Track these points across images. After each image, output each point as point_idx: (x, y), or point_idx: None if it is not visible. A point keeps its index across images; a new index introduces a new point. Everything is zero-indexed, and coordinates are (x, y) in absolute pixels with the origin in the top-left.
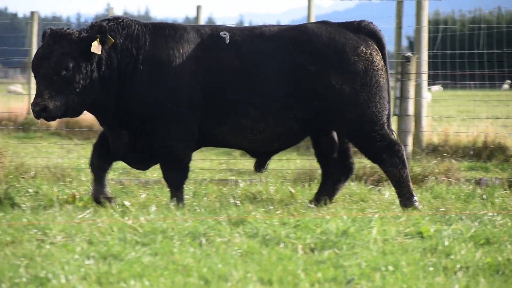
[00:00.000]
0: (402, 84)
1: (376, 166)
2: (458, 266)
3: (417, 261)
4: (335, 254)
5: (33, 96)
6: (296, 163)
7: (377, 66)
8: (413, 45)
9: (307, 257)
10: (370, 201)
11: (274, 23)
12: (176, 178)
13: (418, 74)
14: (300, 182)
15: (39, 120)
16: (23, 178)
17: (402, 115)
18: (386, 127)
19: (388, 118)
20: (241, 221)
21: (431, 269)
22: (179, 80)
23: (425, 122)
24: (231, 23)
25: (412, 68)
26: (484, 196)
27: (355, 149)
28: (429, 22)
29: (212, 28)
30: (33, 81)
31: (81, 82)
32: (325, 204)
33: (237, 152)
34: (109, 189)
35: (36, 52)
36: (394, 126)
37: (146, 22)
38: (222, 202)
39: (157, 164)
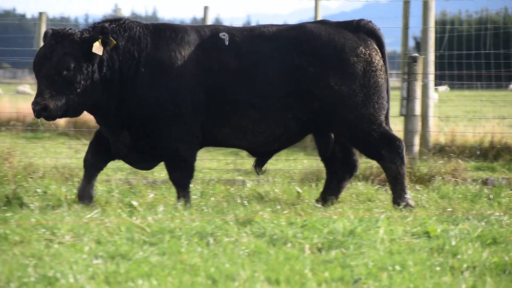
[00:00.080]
0: (409, 85)
1: None
2: (465, 265)
3: (424, 260)
4: (342, 254)
5: None
6: (303, 163)
7: (376, 66)
8: (420, 46)
9: (314, 256)
10: (377, 201)
11: (281, 23)
12: (181, 178)
13: (425, 75)
14: (307, 182)
15: (39, 120)
16: (31, 178)
17: (409, 115)
18: (384, 125)
19: (387, 116)
20: (248, 221)
21: (438, 268)
22: (181, 81)
23: (432, 122)
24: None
25: (419, 68)
26: (491, 196)
27: None
28: (436, 23)
29: (212, 29)
30: None
31: (82, 82)
32: (332, 203)
33: (244, 152)
34: (94, 190)
35: (38, 52)
36: (400, 126)
37: (147, 23)
38: (229, 202)
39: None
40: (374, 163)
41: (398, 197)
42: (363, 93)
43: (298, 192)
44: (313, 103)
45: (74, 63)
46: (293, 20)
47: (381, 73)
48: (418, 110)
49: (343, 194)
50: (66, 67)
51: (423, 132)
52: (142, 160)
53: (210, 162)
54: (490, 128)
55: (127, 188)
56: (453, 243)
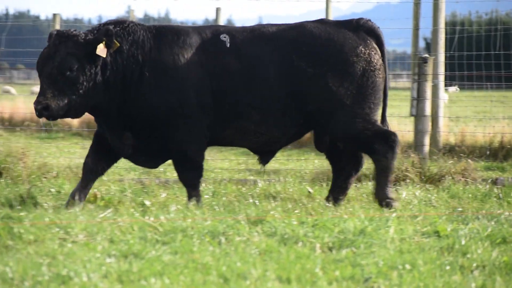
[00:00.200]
0: (419, 85)
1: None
2: (474, 265)
3: (434, 260)
4: (352, 253)
5: None
6: (314, 163)
7: (375, 66)
8: (430, 46)
9: (325, 255)
10: None
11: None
12: (191, 178)
13: (435, 75)
14: (318, 181)
15: (41, 119)
16: (45, 177)
17: (419, 116)
18: (377, 123)
19: (384, 114)
20: (259, 220)
21: (448, 268)
22: (185, 83)
23: (442, 122)
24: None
25: (429, 69)
26: (501, 196)
27: None
28: (446, 24)
29: (213, 30)
30: None
31: (85, 83)
32: (340, 201)
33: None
34: (87, 194)
35: (42, 52)
36: (411, 126)
37: (149, 26)
38: (241, 202)
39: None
40: None
41: (381, 190)
42: (360, 93)
43: (309, 191)
44: (309, 104)
45: (77, 64)
46: None
47: (380, 72)
48: (428, 110)
49: (354, 194)
50: (69, 68)
51: (433, 132)
52: (147, 160)
53: (222, 162)
54: (500, 129)
55: (140, 187)
56: (463, 242)
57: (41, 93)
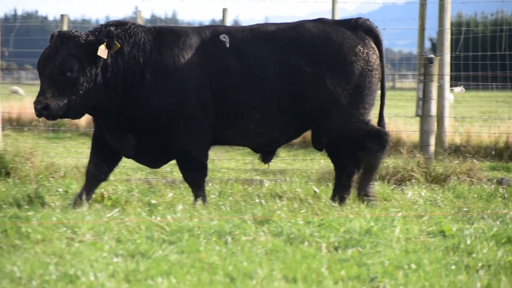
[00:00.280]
0: (424, 85)
1: (399, 165)
2: (480, 264)
3: (439, 259)
4: (358, 253)
5: None
6: (320, 163)
7: (372, 66)
8: (436, 47)
9: (331, 255)
10: (393, 201)
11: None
12: (196, 178)
13: (441, 76)
14: (324, 181)
15: (40, 119)
16: (53, 177)
17: (424, 116)
18: (371, 122)
19: (381, 113)
20: (266, 220)
21: (453, 267)
22: (187, 85)
23: (448, 122)
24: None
25: (435, 69)
26: (506, 196)
27: None
28: (452, 24)
29: (212, 30)
30: None
31: (85, 84)
32: (345, 200)
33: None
34: (91, 198)
35: (43, 52)
36: (416, 126)
37: (150, 27)
38: (247, 201)
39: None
40: (390, 163)
41: (364, 186)
42: (357, 93)
43: (315, 191)
44: (307, 103)
45: (78, 64)
46: None
47: (376, 72)
48: (434, 110)
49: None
50: (70, 68)
51: (439, 132)
52: (149, 160)
53: (228, 162)
54: (505, 129)
55: (147, 187)
56: (468, 242)
57: (41, 93)
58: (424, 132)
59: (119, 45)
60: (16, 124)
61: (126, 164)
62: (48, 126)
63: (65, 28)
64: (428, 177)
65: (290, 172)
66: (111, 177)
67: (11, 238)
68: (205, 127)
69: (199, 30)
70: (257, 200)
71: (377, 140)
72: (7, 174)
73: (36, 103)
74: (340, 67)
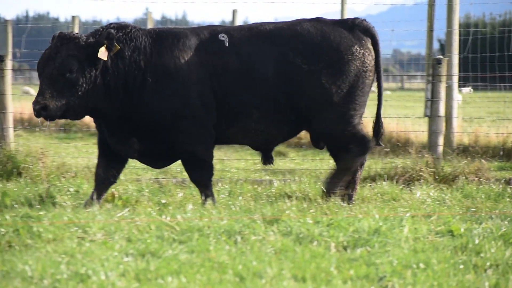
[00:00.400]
0: (433, 86)
1: (408, 165)
2: (488, 264)
3: (447, 259)
4: (367, 252)
5: None
6: (329, 163)
7: (367, 67)
8: (444, 48)
9: (339, 254)
10: (401, 200)
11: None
12: (203, 178)
13: (449, 76)
14: None
15: (39, 119)
16: (64, 177)
17: (433, 116)
18: (358, 125)
19: (378, 113)
20: (275, 219)
21: (461, 266)
22: (189, 86)
23: (456, 123)
24: None
25: (443, 70)
26: None
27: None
28: (460, 25)
29: (210, 30)
30: None
31: (84, 85)
32: (352, 197)
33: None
34: (102, 201)
35: (43, 53)
36: (425, 127)
37: (150, 30)
38: (256, 201)
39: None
40: (398, 163)
41: (333, 183)
42: (350, 93)
43: (323, 191)
44: (302, 100)
45: (77, 65)
46: None
47: (370, 74)
48: (442, 111)
49: (368, 194)
50: (69, 69)
51: (447, 132)
52: (152, 161)
53: (238, 162)
54: None
55: (157, 187)
56: (477, 241)
57: (40, 93)
58: (432, 133)
59: (119, 47)
60: (27, 125)
61: (137, 164)
62: (59, 127)
63: (76, 29)
64: (437, 177)
65: (299, 172)
66: (122, 177)
67: (23, 237)
68: (208, 127)
69: (198, 30)
70: (267, 200)
71: (361, 144)
72: (19, 174)
73: (35, 103)
74: (337, 66)
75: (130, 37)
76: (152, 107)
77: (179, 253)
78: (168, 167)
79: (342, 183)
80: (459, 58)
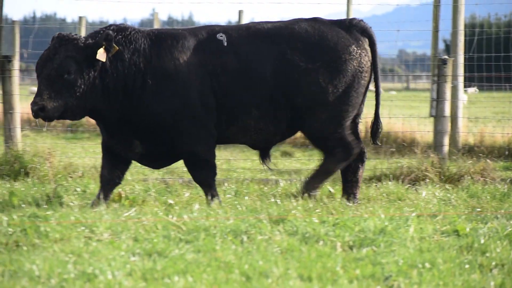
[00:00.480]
0: (438, 86)
1: (413, 165)
2: (493, 263)
3: (453, 258)
4: (373, 252)
5: None
6: None
7: (363, 67)
8: (450, 48)
9: (345, 254)
10: (407, 200)
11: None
12: (206, 177)
13: (455, 76)
14: (339, 181)
15: (37, 120)
16: (71, 177)
17: (438, 116)
18: (347, 129)
19: (377, 114)
20: (281, 219)
21: (467, 266)
22: (189, 87)
23: (461, 123)
24: None
25: (449, 70)
26: None
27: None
28: (466, 26)
29: (208, 30)
30: None
31: (82, 87)
32: (356, 196)
33: (277, 152)
34: (108, 202)
35: (42, 54)
36: (430, 127)
37: (149, 31)
38: (263, 201)
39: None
40: (404, 163)
41: (312, 184)
42: (344, 93)
43: (330, 191)
44: (298, 98)
45: (76, 67)
46: None
47: (366, 75)
48: (447, 111)
49: (374, 194)
50: (67, 70)
51: (453, 132)
52: (151, 162)
53: (244, 162)
54: None
55: (164, 187)
56: (482, 241)
57: (38, 94)
58: (438, 133)
59: (117, 48)
60: (35, 125)
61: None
62: (66, 127)
63: (83, 30)
64: (442, 177)
65: (305, 172)
66: (129, 177)
67: (30, 237)
68: (208, 127)
69: (196, 31)
70: (273, 200)
71: (346, 150)
72: (26, 174)
73: (33, 104)
74: (334, 65)
75: (129, 39)
76: (152, 108)
77: (185, 252)
78: (174, 167)
79: (320, 185)
80: (465, 58)
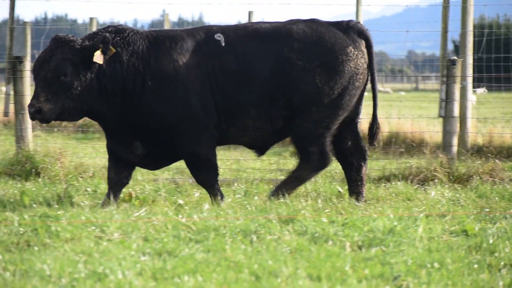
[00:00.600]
0: (447, 87)
1: (422, 166)
2: (502, 263)
3: (462, 258)
4: (382, 252)
5: None
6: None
7: (359, 69)
8: (459, 49)
9: (354, 254)
10: (416, 200)
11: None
12: (209, 178)
13: (463, 77)
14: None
15: (34, 122)
16: (82, 177)
17: (447, 117)
18: (330, 138)
19: (374, 113)
20: (290, 219)
21: (475, 266)
22: (189, 88)
23: (470, 123)
24: None
25: (458, 71)
26: None
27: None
28: (475, 27)
29: (206, 30)
30: None
31: (79, 88)
32: (362, 194)
33: (286, 152)
34: (117, 202)
35: (39, 56)
36: (439, 127)
37: (148, 33)
38: (272, 201)
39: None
40: (413, 163)
41: (284, 188)
42: (339, 95)
43: (339, 191)
44: (294, 97)
45: (72, 69)
46: None
47: (361, 77)
48: (456, 111)
49: (383, 194)
50: (64, 72)
51: (461, 133)
52: (150, 163)
53: (253, 162)
54: None
55: (174, 187)
56: (491, 241)
57: (35, 96)
58: (447, 133)
59: (114, 50)
60: (45, 125)
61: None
62: (77, 127)
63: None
64: (451, 177)
65: None
66: (139, 176)
67: (41, 236)
68: (209, 127)
69: (194, 32)
70: (282, 200)
71: (323, 159)
72: (37, 174)
73: (30, 106)
74: (331, 66)
75: (127, 41)
76: (152, 110)
77: (195, 252)
78: (185, 167)
79: (291, 192)
80: (473, 59)
